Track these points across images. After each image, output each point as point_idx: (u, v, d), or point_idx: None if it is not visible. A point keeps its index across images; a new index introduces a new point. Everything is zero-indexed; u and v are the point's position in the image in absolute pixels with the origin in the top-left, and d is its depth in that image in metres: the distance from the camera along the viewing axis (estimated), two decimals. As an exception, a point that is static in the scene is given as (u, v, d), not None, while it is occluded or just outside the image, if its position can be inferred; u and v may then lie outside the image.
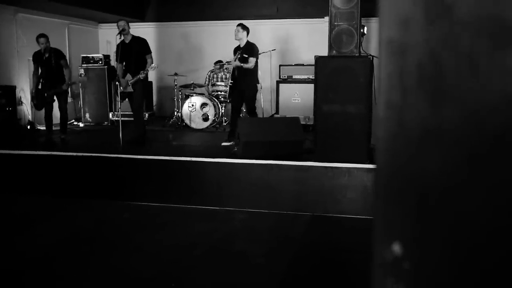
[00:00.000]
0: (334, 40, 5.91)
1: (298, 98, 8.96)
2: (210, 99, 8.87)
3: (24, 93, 9.27)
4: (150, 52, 7.53)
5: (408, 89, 0.67)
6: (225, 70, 9.24)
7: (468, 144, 0.64)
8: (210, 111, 8.64)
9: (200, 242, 4.66)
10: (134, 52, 7.43)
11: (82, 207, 5.85)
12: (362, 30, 5.98)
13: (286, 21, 10.38)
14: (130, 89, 7.44)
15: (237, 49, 7.40)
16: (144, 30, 10.20)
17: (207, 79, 9.62)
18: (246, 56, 7.16)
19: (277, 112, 9.16)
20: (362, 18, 6.04)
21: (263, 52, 9.13)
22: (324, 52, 6.16)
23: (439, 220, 0.68)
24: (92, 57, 9.99)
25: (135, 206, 5.87)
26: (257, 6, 10.44)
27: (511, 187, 0.64)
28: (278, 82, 9.19)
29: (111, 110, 9.92)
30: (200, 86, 9.51)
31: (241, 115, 7.90)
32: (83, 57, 10.15)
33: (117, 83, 7.54)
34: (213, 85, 9.28)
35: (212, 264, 4.18)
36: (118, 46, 7.44)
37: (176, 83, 9.40)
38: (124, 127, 7.34)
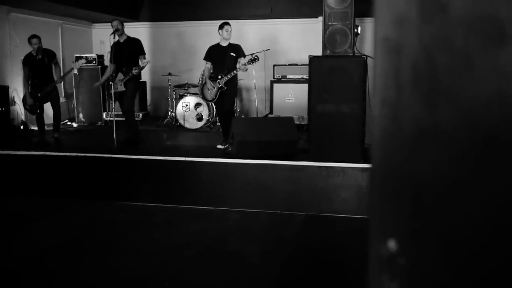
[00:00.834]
0: (328, 40, 5.93)
1: (292, 98, 8.96)
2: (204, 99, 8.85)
3: (17, 93, 9.22)
4: (143, 53, 7.51)
5: (403, 88, 0.67)
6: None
7: (463, 143, 0.65)
8: (204, 111, 8.63)
9: (195, 242, 4.66)
10: (127, 52, 7.41)
11: (76, 208, 5.83)
12: (356, 30, 5.99)
13: (280, 21, 10.38)
14: (122, 88, 7.42)
15: (216, 49, 7.25)
16: (138, 30, 10.18)
17: (201, 79, 9.60)
18: (234, 55, 7.10)
19: (271, 112, 9.16)
20: (356, 18, 6.05)
21: (257, 52, 9.13)
22: (318, 52, 6.17)
23: (434, 217, 0.69)
24: (86, 57, 9.96)
25: (130, 206, 5.86)
26: (251, 6, 10.43)
27: (505, 185, 0.65)
28: (272, 82, 9.19)
29: (104, 110, 9.89)
30: (194, 86, 9.49)
31: (236, 115, 7.87)
32: (76, 57, 10.10)
33: (111, 82, 7.51)
34: (203, 84, 9.23)
35: (207, 264, 4.18)
36: (112, 46, 7.43)
37: (170, 83, 9.38)
38: (118, 127, 7.33)
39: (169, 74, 9.42)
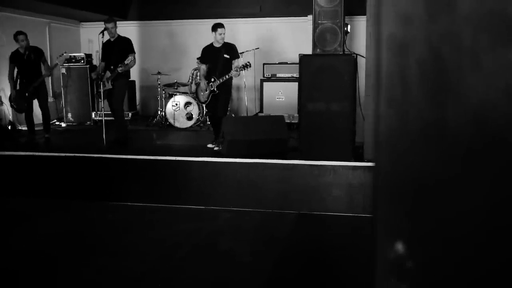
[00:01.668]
0: (318, 38, 5.92)
1: (282, 97, 8.96)
2: (194, 98, 8.82)
3: (5, 93, 9.12)
4: (133, 52, 7.45)
5: (410, 86, 0.66)
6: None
7: (469, 141, 0.64)
8: (194, 110, 8.60)
9: (186, 241, 4.64)
10: (117, 51, 7.36)
11: (66, 208, 5.79)
12: (345, 29, 6.00)
13: (270, 19, 10.36)
14: (109, 86, 7.35)
15: (209, 50, 7.13)
16: (126, 29, 10.11)
17: (190, 78, 9.56)
18: (228, 57, 7.00)
19: (261, 110, 9.15)
20: (346, 17, 6.06)
21: (246, 51, 9.11)
22: (308, 50, 6.17)
23: (439, 216, 0.68)
24: (74, 56, 9.87)
25: (120, 206, 5.83)
26: (241, 5, 10.40)
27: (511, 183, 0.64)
28: (262, 81, 9.17)
29: (93, 110, 9.81)
30: (184, 85, 9.46)
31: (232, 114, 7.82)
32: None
33: (100, 82, 7.45)
34: (197, 84, 9.21)
35: (198, 263, 4.16)
36: (103, 45, 7.38)
37: (159, 82, 9.33)
38: (107, 127, 7.28)
39: (159, 73, 9.37)
